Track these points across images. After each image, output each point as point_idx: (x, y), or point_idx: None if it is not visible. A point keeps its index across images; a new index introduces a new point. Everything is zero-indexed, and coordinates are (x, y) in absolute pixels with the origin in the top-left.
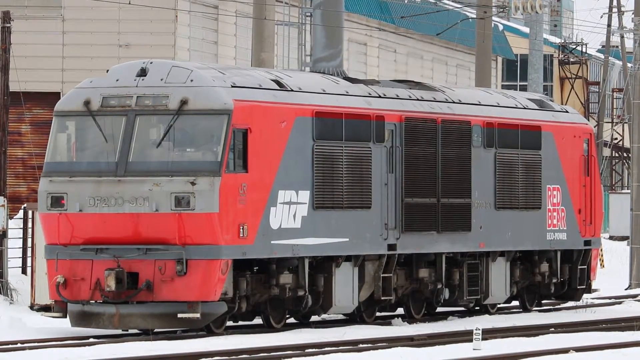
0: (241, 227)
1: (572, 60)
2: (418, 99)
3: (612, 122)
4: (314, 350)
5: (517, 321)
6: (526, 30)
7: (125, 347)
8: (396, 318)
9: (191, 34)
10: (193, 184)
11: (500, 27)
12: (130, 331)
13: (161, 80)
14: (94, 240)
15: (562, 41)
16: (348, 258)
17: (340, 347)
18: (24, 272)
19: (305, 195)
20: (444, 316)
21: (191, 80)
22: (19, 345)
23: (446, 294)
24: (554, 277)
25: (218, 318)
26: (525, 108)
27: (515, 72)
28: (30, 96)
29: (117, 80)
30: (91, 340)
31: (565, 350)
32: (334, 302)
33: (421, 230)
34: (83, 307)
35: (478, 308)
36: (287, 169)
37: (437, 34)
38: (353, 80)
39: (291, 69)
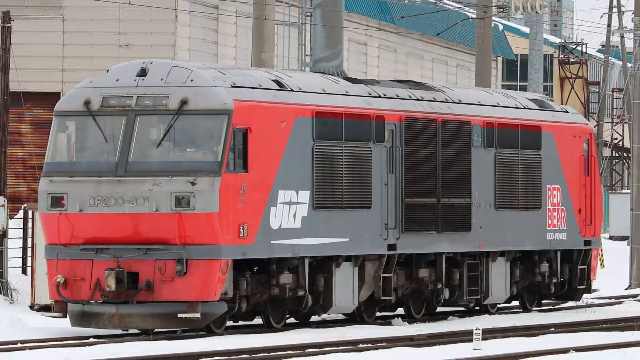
0: (241, 227)
1: (572, 60)
2: (418, 99)
3: (612, 122)
4: (314, 350)
5: (517, 321)
6: (526, 30)
7: (125, 347)
8: (396, 318)
9: (191, 34)
10: (193, 184)
11: (500, 27)
12: (130, 331)
13: (161, 80)
14: (94, 240)
15: (562, 41)
16: (348, 258)
17: (340, 347)
18: (24, 272)
19: (305, 195)
20: (444, 316)
21: (191, 80)
22: (19, 345)
23: (446, 294)
24: (554, 277)
25: (218, 318)
26: (525, 108)
27: (515, 72)
28: (30, 96)
29: (117, 80)
30: (91, 340)
31: (565, 350)
32: (334, 302)
33: (421, 230)
34: (83, 307)
35: (478, 308)
36: (287, 169)
37: (437, 34)
38: (353, 80)
39: (291, 69)
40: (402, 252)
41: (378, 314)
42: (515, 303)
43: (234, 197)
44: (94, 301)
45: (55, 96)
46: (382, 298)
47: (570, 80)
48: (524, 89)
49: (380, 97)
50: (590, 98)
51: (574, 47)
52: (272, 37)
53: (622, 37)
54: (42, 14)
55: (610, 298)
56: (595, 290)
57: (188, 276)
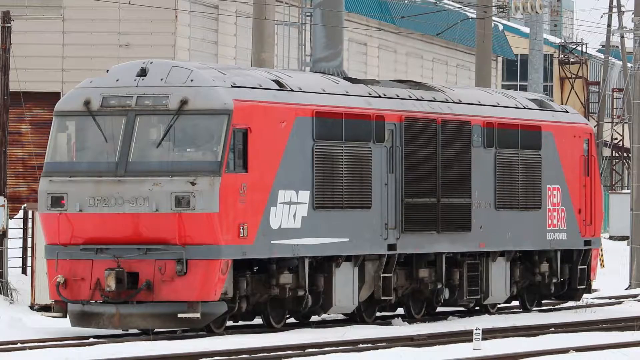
0: (241, 227)
1: (572, 60)
2: (418, 99)
3: (612, 122)
4: (314, 350)
5: (517, 321)
6: (526, 30)
7: (125, 347)
8: (396, 318)
9: (191, 34)
10: (193, 184)
11: (500, 27)
12: (130, 331)
13: (161, 80)
14: (94, 240)
15: (562, 41)
16: (348, 258)
17: (340, 347)
18: (24, 272)
19: (305, 195)
20: (444, 316)
21: (191, 80)
22: (19, 345)
23: (446, 294)
24: (554, 277)
25: (218, 318)
26: (525, 108)
27: (515, 72)
28: (30, 96)
29: (117, 80)
30: (91, 340)
31: (565, 350)
32: (334, 302)
33: (421, 230)
34: (83, 307)
35: (478, 308)
36: (287, 169)
37: (437, 34)
38: (353, 80)
39: (291, 69)
40: (402, 252)
41: (378, 314)
42: (515, 303)
43: (233, 197)
44: (94, 301)
45: (55, 96)
46: (382, 298)
47: (570, 80)
48: (524, 89)
49: (380, 97)
50: (590, 98)
51: (574, 47)
52: (272, 37)
53: (622, 37)
54: (42, 14)
55: (610, 298)
56: (595, 290)
57: (188, 276)
